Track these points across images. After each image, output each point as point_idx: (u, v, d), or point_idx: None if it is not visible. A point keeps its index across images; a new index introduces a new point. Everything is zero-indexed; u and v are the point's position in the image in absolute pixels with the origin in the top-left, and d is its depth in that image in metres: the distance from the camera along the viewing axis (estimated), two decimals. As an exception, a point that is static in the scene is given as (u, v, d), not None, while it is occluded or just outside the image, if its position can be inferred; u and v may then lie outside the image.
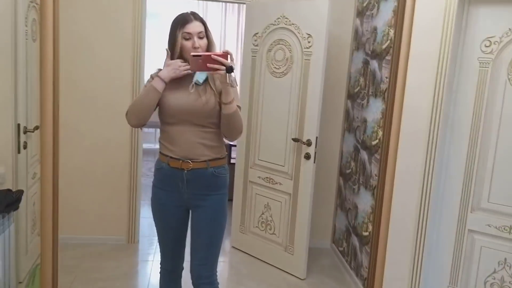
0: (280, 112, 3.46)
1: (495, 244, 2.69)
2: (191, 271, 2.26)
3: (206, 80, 2.14)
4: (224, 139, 2.25)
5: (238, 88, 2.30)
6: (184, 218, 2.29)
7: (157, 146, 7.40)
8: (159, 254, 2.42)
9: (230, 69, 1.98)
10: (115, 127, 3.67)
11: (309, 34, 3.25)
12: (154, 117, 2.84)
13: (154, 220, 2.32)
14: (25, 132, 2.69)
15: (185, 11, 2.17)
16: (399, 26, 2.78)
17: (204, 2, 6.73)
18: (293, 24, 3.33)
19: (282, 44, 3.42)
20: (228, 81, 2.01)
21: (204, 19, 2.20)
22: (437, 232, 2.83)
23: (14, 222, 2.50)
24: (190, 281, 2.25)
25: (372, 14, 3.28)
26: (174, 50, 2.11)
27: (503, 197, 2.64)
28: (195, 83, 2.12)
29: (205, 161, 2.15)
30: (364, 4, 3.50)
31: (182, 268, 2.41)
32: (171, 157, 2.15)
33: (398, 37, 2.78)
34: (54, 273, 2.05)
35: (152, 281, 3.30)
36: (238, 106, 2.14)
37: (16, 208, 2.33)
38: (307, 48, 3.27)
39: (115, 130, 3.67)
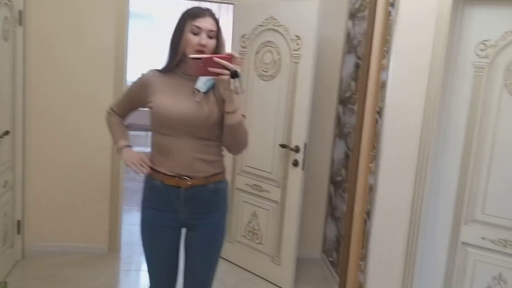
0: (268, 116, 3.33)
1: (490, 258, 2.60)
2: None
3: (211, 88, 1.92)
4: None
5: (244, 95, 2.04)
6: (179, 239, 2.06)
7: (148, 150, 7.28)
8: (143, 269, 2.22)
9: (235, 74, 1.73)
10: (96, 128, 3.49)
11: (298, 36, 3.12)
12: (144, 120, 2.66)
13: (144, 246, 2.05)
14: (-7, 137, 2.57)
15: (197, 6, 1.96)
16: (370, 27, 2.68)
17: (197, 2, 6.64)
18: (281, 25, 3.21)
19: (270, 46, 3.29)
20: (232, 88, 1.77)
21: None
22: (428, 245, 2.74)
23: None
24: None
25: (364, 16, 3.15)
26: (178, 47, 1.89)
27: (499, 208, 2.55)
28: (198, 90, 1.89)
29: (204, 177, 1.95)
30: (356, 6, 3.38)
31: None
32: (164, 174, 1.94)
33: (369, 40, 2.67)
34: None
35: (133, 292, 3.17)
36: (243, 116, 1.92)
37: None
38: (296, 50, 3.14)
39: (96, 132, 3.50)
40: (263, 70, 3.34)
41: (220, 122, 1.90)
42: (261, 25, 3.33)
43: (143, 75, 2.01)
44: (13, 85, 3.01)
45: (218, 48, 1.92)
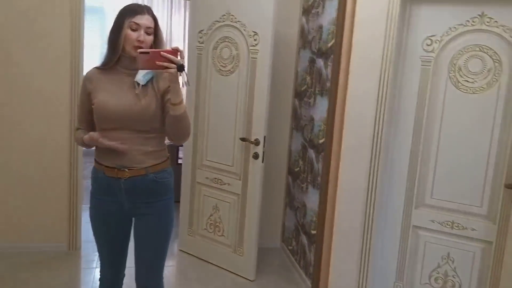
0: (228, 111, 3.40)
1: (439, 239, 2.77)
2: (136, 281, 2.16)
3: (149, 81, 1.98)
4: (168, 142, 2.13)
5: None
6: (126, 227, 2.17)
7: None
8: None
9: (181, 67, 1.80)
10: (53, 126, 3.47)
11: (255, 32, 3.20)
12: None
13: (93, 229, 2.16)
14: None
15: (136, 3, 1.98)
16: (340, 25, 2.80)
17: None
18: (238, 21, 3.28)
19: (228, 41, 3.36)
20: (181, 81, 1.85)
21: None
22: (383, 229, 2.88)
23: None
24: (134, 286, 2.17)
25: (318, 12, 3.28)
26: (118, 42, 1.93)
27: (445, 193, 2.72)
28: (137, 83, 1.96)
29: (144, 168, 2.01)
30: (310, 2, 3.50)
31: (123, 276, 2.27)
32: (106, 166, 2.01)
33: (340, 36, 2.79)
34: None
35: (95, 290, 3.16)
36: None
37: None
38: (254, 46, 3.22)
39: (53, 130, 3.47)
40: (222, 65, 3.40)
41: (158, 115, 1.98)
42: (218, 21, 3.39)
43: (84, 76, 2.08)
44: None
45: (156, 44, 2.00)
